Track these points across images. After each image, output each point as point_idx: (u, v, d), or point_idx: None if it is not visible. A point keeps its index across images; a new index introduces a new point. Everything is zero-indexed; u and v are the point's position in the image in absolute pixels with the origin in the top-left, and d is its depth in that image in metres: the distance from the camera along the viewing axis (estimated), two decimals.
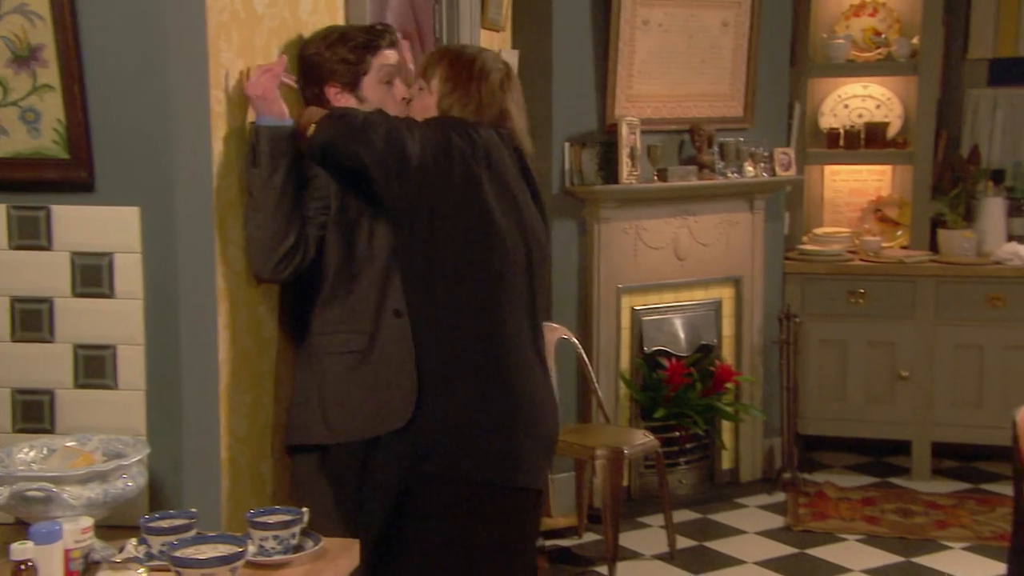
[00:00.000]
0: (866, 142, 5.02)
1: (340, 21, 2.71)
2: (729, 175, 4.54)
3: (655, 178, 4.37)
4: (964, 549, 3.98)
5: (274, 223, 2.25)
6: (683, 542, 4.02)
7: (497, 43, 4.08)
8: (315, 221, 2.34)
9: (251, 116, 2.31)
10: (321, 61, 2.43)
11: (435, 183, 2.26)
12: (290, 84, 2.36)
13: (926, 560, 3.88)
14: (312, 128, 2.29)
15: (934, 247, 4.87)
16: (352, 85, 2.44)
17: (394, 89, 2.47)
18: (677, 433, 4.38)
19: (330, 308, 2.35)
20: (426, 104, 2.42)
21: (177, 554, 1.68)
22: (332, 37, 2.46)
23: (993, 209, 4.83)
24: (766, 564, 3.87)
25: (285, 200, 2.26)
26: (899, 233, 5.08)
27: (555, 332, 3.68)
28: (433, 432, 2.27)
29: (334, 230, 2.35)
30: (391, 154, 2.22)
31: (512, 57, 4.08)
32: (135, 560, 1.79)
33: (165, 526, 1.80)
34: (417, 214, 2.26)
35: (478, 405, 2.28)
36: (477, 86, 2.37)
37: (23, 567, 1.60)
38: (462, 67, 2.39)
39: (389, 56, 2.47)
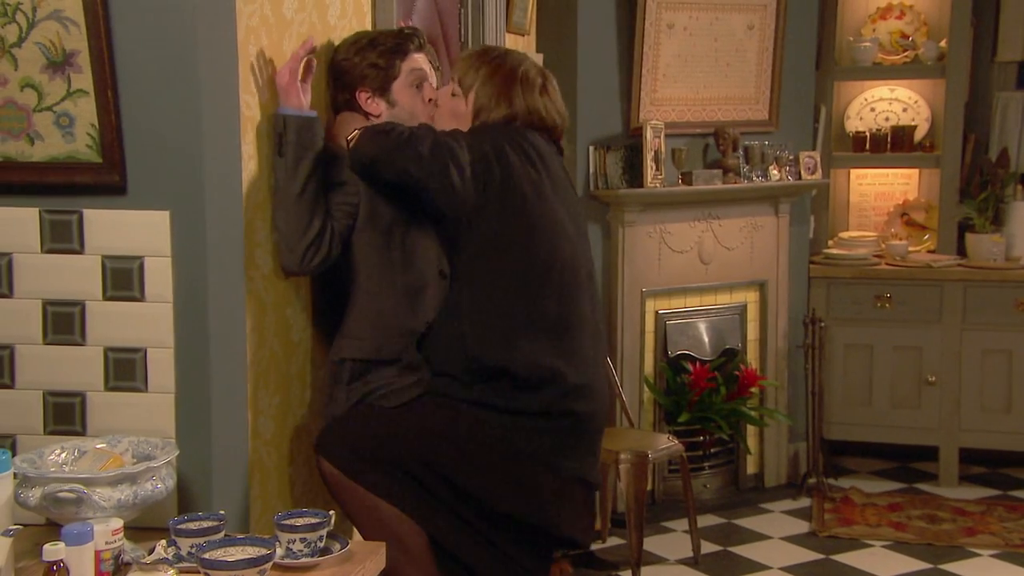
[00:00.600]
0: (893, 145, 4.98)
1: (368, 25, 2.72)
2: (754, 179, 4.52)
3: (679, 182, 4.36)
4: (993, 556, 3.94)
5: (298, 212, 2.27)
6: (707, 547, 4.01)
7: (522, 47, 4.09)
8: (341, 218, 2.36)
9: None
10: (351, 67, 2.46)
11: (493, 187, 2.30)
12: (310, 63, 2.31)
13: (954, 567, 3.84)
14: (354, 137, 2.32)
15: (962, 251, 4.82)
16: (382, 90, 2.47)
17: (423, 92, 2.50)
18: (701, 437, 4.36)
19: (362, 312, 2.38)
20: (457, 109, 2.43)
21: (206, 556, 1.69)
22: (362, 43, 2.48)
23: (1022, 213, 4.77)
24: (791, 570, 3.85)
25: (309, 190, 2.28)
26: (926, 237, 5.03)
27: None
28: None
29: (363, 236, 2.37)
30: (440, 167, 2.26)
31: (537, 61, 4.08)
32: (164, 561, 1.81)
33: (194, 528, 1.82)
34: (481, 219, 2.31)
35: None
36: (520, 92, 2.42)
37: (55, 568, 1.62)
38: (505, 75, 2.43)
39: (418, 60, 2.50)
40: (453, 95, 2.47)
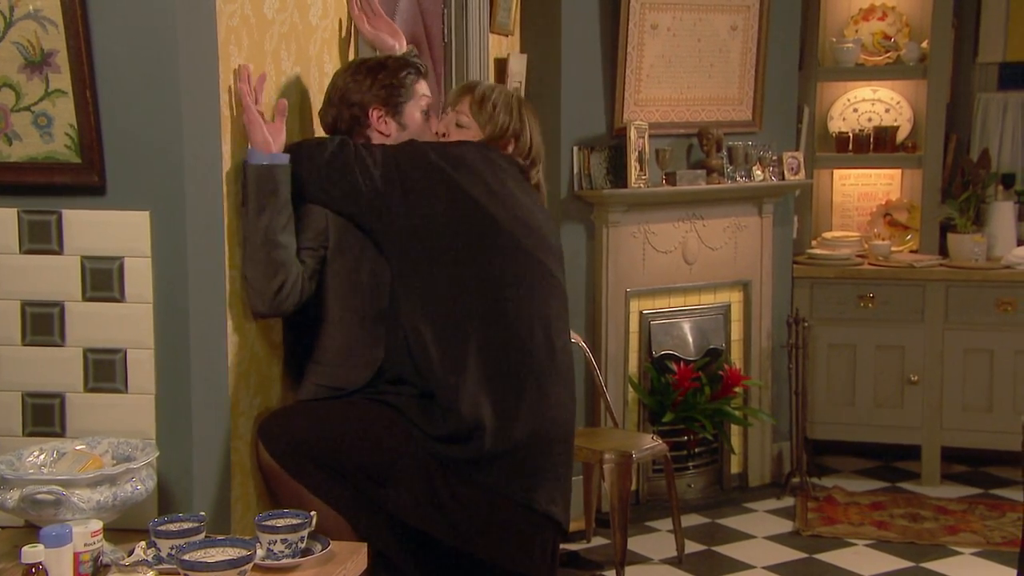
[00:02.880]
0: (875, 146, 5.00)
1: (349, 28, 2.72)
2: (738, 179, 4.53)
3: (663, 182, 4.36)
4: (974, 554, 3.96)
5: (265, 263, 2.20)
6: (691, 546, 4.01)
7: (506, 47, 4.09)
8: (314, 254, 2.31)
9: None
10: (360, 88, 2.43)
11: (413, 204, 2.29)
12: (282, 103, 2.28)
13: (936, 565, 3.86)
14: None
15: (944, 251, 4.85)
16: (395, 110, 2.45)
17: (430, 123, 2.51)
18: (685, 437, 4.37)
19: (332, 340, 2.33)
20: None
21: (186, 557, 1.68)
22: (369, 63, 2.49)
23: (1003, 213, 4.81)
24: (775, 569, 3.86)
25: (273, 239, 2.20)
26: (908, 237, 5.06)
27: None
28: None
29: (333, 266, 2.32)
30: (340, 172, 2.27)
31: (520, 62, 4.09)
32: (144, 563, 1.80)
33: (174, 529, 1.81)
34: (402, 236, 2.29)
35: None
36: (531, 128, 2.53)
37: (34, 570, 1.61)
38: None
39: (426, 86, 2.51)
40: (460, 126, 2.49)
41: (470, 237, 2.31)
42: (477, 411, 2.25)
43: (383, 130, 2.45)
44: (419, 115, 2.48)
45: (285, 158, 2.25)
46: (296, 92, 2.45)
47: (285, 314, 2.31)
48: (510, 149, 2.49)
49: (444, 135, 2.50)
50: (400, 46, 2.67)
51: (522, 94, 2.62)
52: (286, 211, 2.24)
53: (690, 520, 4.23)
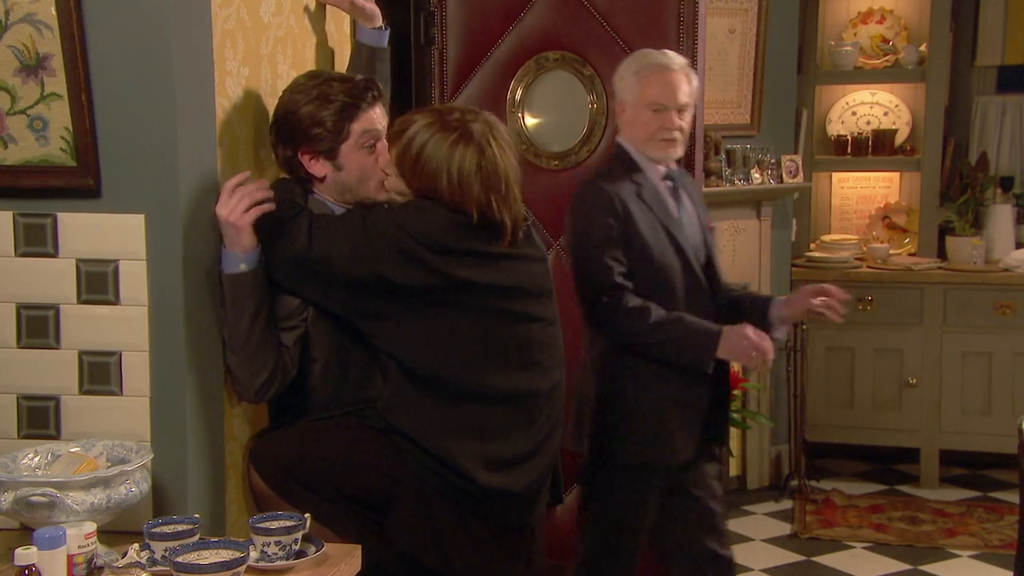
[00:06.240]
0: (874, 149, 5.01)
1: (346, 31, 2.72)
2: (736, 182, 4.54)
3: None
4: (972, 557, 3.96)
5: (247, 357, 2.12)
6: None
7: None
8: (293, 331, 2.21)
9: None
10: (296, 123, 2.21)
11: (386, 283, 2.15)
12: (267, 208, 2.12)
13: (934, 568, 3.86)
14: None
15: (942, 254, 4.85)
16: (329, 152, 2.23)
17: (376, 151, 2.26)
18: None
19: (321, 388, 2.27)
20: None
21: (179, 559, 1.69)
22: (311, 93, 2.22)
23: (1001, 216, 4.81)
24: (773, 571, 3.86)
25: (253, 339, 2.12)
26: (907, 240, 5.06)
27: None
28: None
29: (318, 325, 2.23)
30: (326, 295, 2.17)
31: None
32: (138, 565, 1.81)
33: (168, 531, 1.81)
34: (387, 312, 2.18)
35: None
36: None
37: (27, 572, 1.61)
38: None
39: (372, 118, 2.25)
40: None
41: (440, 313, 2.18)
42: (490, 480, 2.20)
43: (316, 172, 2.25)
44: (359, 153, 2.24)
45: (254, 260, 2.11)
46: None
47: (268, 400, 2.24)
48: (458, 200, 2.18)
49: (385, 176, 2.26)
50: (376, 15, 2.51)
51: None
52: (264, 306, 2.14)
53: None
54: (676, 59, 2.68)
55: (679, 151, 2.69)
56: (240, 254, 2.10)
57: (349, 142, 2.24)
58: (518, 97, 3.18)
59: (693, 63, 2.90)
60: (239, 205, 2.07)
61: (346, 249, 2.15)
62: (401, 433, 2.20)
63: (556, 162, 3.18)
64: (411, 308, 2.18)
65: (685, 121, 2.67)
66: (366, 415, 2.24)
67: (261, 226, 2.12)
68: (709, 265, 2.77)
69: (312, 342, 2.24)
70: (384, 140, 2.27)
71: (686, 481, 2.74)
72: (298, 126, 2.22)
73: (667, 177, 2.71)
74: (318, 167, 2.25)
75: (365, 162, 2.26)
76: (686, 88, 2.66)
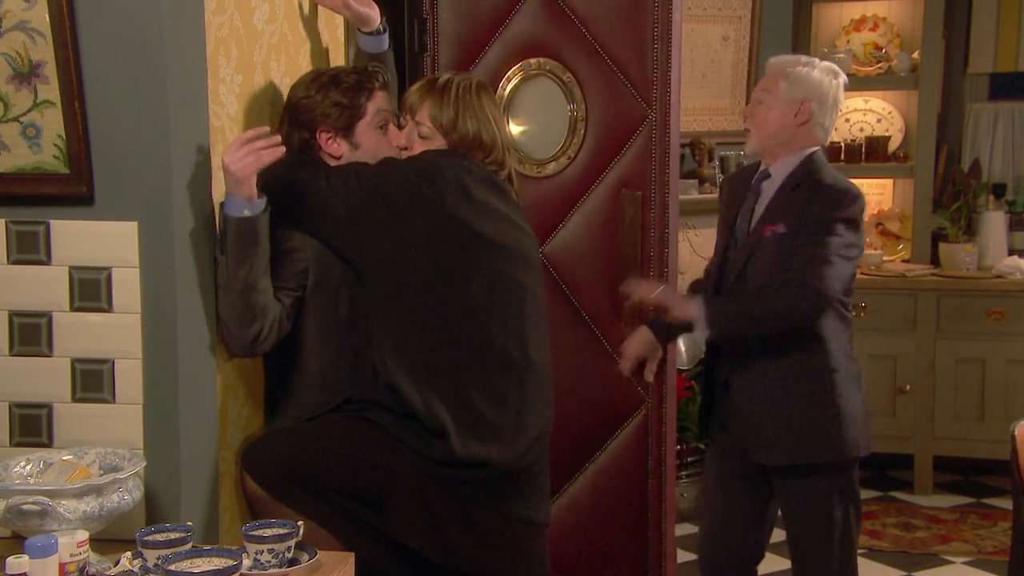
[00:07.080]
0: (867, 156, 5.02)
1: (340, 38, 2.73)
2: None
3: None
4: (966, 564, 3.96)
5: (242, 307, 2.13)
6: (684, 555, 4.01)
7: None
8: (291, 294, 2.25)
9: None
10: (311, 105, 2.30)
11: (395, 223, 2.20)
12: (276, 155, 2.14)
13: (927, 575, 3.86)
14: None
15: (935, 261, 4.87)
16: (347, 130, 2.32)
17: (389, 134, 2.36)
18: (678, 446, 4.37)
19: (309, 376, 2.30)
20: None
21: (172, 568, 1.69)
22: (322, 79, 2.34)
23: (994, 223, 4.83)
24: None
25: (253, 286, 2.13)
26: (900, 247, 5.08)
27: None
28: None
29: (312, 302, 2.27)
30: (327, 222, 2.20)
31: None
32: (130, 573, 1.80)
33: (161, 539, 1.81)
34: (383, 265, 2.22)
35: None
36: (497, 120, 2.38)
37: None
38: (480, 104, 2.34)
39: (383, 99, 2.36)
40: (423, 137, 2.32)
41: (451, 263, 2.23)
42: (468, 449, 2.21)
43: (333, 152, 2.32)
44: (375, 132, 2.34)
45: (264, 204, 2.13)
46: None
47: (261, 354, 2.26)
48: (480, 155, 2.32)
49: (407, 149, 2.33)
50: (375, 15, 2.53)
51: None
52: (265, 256, 2.16)
53: (683, 529, 4.22)
54: None
55: None
56: (243, 201, 2.11)
57: (365, 119, 2.33)
58: (504, 104, 3.19)
59: (668, 69, 3.01)
60: (245, 159, 2.08)
61: (357, 183, 2.23)
62: (391, 387, 2.21)
63: (538, 169, 3.18)
64: (419, 249, 2.22)
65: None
66: (356, 407, 2.26)
67: (276, 174, 2.17)
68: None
69: (303, 326, 2.27)
70: (394, 125, 2.37)
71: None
72: (316, 107, 2.31)
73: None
74: (335, 147, 2.33)
75: (380, 141, 2.35)
76: None
